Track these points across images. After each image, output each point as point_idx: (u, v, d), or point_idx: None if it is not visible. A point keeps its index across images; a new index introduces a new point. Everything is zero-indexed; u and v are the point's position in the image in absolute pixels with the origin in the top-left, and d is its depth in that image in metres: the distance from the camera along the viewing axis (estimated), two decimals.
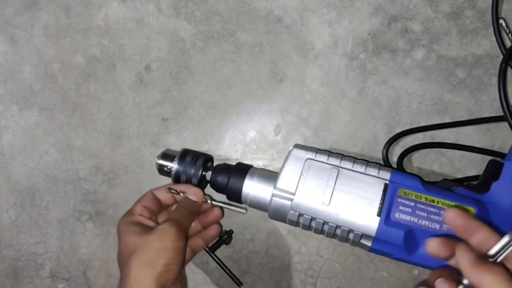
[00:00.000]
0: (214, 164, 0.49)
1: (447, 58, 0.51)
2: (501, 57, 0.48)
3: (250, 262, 0.53)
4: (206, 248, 0.52)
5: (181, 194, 0.47)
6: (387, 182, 0.43)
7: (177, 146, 0.53)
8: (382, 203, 0.42)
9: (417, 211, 0.42)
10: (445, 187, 0.46)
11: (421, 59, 0.52)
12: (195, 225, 0.49)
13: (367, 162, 0.44)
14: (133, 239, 0.42)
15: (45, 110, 0.54)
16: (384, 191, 0.42)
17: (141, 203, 0.46)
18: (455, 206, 0.42)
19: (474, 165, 0.51)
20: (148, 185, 0.53)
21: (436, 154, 0.52)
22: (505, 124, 0.48)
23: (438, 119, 0.51)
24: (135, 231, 0.43)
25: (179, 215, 0.45)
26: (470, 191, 0.44)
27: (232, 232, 0.53)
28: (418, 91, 0.52)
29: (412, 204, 0.42)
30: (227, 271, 0.52)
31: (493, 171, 0.44)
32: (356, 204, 0.42)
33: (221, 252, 0.53)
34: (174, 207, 0.48)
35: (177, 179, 0.48)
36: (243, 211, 0.48)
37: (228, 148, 0.53)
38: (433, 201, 0.42)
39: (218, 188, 0.47)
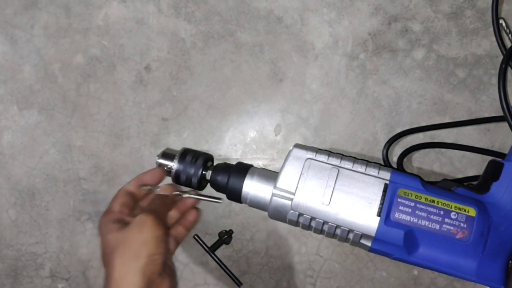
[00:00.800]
0: (214, 164, 0.49)
1: (447, 58, 0.51)
2: (501, 57, 0.48)
3: (250, 262, 0.53)
4: (206, 248, 0.52)
5: (156, 190, 0.47)
6: (387, 182, 0.43)
7: (177, 146, 0.53)
8: (382, 203, 0.42)
9: (417, 211, 0.42)
10: (445, 187, 0.46)
11: (421, 59, 0.52)
12: (173, 214, 0.49)
13: (367, 162, 0.44)
14: (114, 236, 0.41)
15: (45, 110, 0.54)
16: (384, 191, 0.42)
17: (118, 201, 0.46)
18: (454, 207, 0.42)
19: (474, 165, 0.51)
20: None
21: (436, 154, 0.52)
22: (505, 124, 0.48)
23: (438, 119, 0.51)
24: (116, 228, 0.42)
25: (153, 205, 0.45)
26: (470, 191, 0.44)
27: (232, 232, 0.53)
28: (418, 91, 0.52)
29: (412, 204, 0.42)
30: (227, 271, 0.52)
31: (493, 171, 0.44)
32: (356, 204, 0.42)
33: (221, 252, 0.53)
34: (144, 202, 0.49)
35: (177, 178, 0.48)
36: (219, 201, 0.48)
37: (228, 148, 0.53)
38: (433, 201, 0.42)
39: (218, 188, 0.47)
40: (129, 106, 0.54)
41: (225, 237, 0.52)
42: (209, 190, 0.49)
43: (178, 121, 0.54)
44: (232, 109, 0.53)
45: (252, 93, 0.53)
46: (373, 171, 0.43)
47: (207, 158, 0.48)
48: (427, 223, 0.41)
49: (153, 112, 0.54)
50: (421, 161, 0.52)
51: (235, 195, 0.46)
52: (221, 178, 0.47)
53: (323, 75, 0.52)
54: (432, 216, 0.42)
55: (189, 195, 0.48)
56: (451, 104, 0.51)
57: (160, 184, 0.49)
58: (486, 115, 0.51)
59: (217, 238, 0.53)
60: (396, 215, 0.42)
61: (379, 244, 0.42)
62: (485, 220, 0.42)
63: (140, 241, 0.40)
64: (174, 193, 0.47)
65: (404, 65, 0.52)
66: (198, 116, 0.53)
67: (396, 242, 0.42)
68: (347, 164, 0.44)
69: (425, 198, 0.42)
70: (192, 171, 0.47)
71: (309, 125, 0.53)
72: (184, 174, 0.47)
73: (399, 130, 0.51)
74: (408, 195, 0.42)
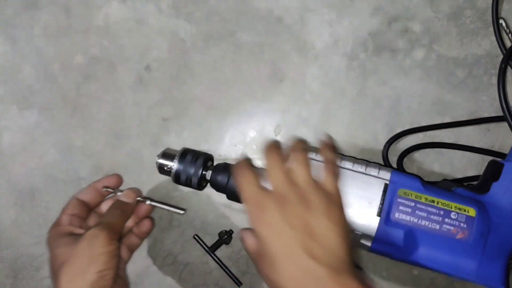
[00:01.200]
0: (214, 164, 0.49)
1: (447, 58, 0.51)
2: (501, 57, 0.48)
3: (249, 262, 0.53)
4: (206, 248, 0.52)
5: (118, 193, 0.46)
6: (387, 182, 0.43)
7: (177, 146, 0.53)
8: (382, 203, 0.42)
9: (417, 211, 0.42)
10: (445, 187, 0.46)
11: (421, 59, 0.52)
12: (127, 223, 0.47)
13: (367, 162, 0.44)
14: (62, 252, 0.40)
15: (45, 110, 0.54)
16: (384, 191, 0.42)
17: (67, 212, 0.45)
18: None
19: (474, 165, 0.51)
20: (148, 185, 0.53)
21: (436, 154, 0.51)
22: (505, 124, 0.48)
23: (438, 119, 0.51)
24: (65, 243, 0.41)
25: (111, 217, 0.43)
26: (470, 191, 0.44)
27: (232, 232, 0.53)
28: (418, 91, 0.52)
29: (412, 204, 0.42)
30: (227, 271, 0.52)
31: (493, 171, 0.44)
32: (356, 204, 0.42)
33: (221, 252, 0.53)
34: (102, 206, 0.48)
35: (177, 178, 0.48)
36: (181, 211, 0.48)
37: (228, 148, 0.53)
38: (433, 201, 0.42)
39: (218, 188, 0.47)
40: (129, 106, 0.54)
41: (225, 237, 0.52)
42: (209, 190, 0.49)
43: (178, 121, 0.54)
44: (232, 109, 0.53)
45: (252, 93, 0.53)
46: (373, 171, 0.43)
47: (207, 158, 0.48)
48: (427, 223, 0.41)
49: (153, 112, 0.54)
50: (421, 161, 0.52)
51: (235, 195, 0.46)
52: (221, 178, 0.47)
53: (323, 75, 0.52)
54: (432, 216, 0.42)
55: (151, 202, 0.47)
56: (451, 104, 0.51)
57: (121, 188, 0.48)
58: (486, 115, 0.51)
59: (217, 238, 0.53)
60: (396, 215, 0.42)
61: (379, 244, 0.42)
62: (485, 220, 0.42)
63: (89, 256, 0.39)
64: (137, 198, 0.46)
65: (404, 65, 0.52)
66: (198, 116, 0.53)
67: (396, 242, 0.42)
68: (347, 164, 0.44)
69: (425, 198, 0.42)
70: (192, 171, 0.47)
71: (309, 125, 0.53)
72: (184, 174, 0.47)
73: (399, 130, 0.51)
74: (408, 195, 0.42)
